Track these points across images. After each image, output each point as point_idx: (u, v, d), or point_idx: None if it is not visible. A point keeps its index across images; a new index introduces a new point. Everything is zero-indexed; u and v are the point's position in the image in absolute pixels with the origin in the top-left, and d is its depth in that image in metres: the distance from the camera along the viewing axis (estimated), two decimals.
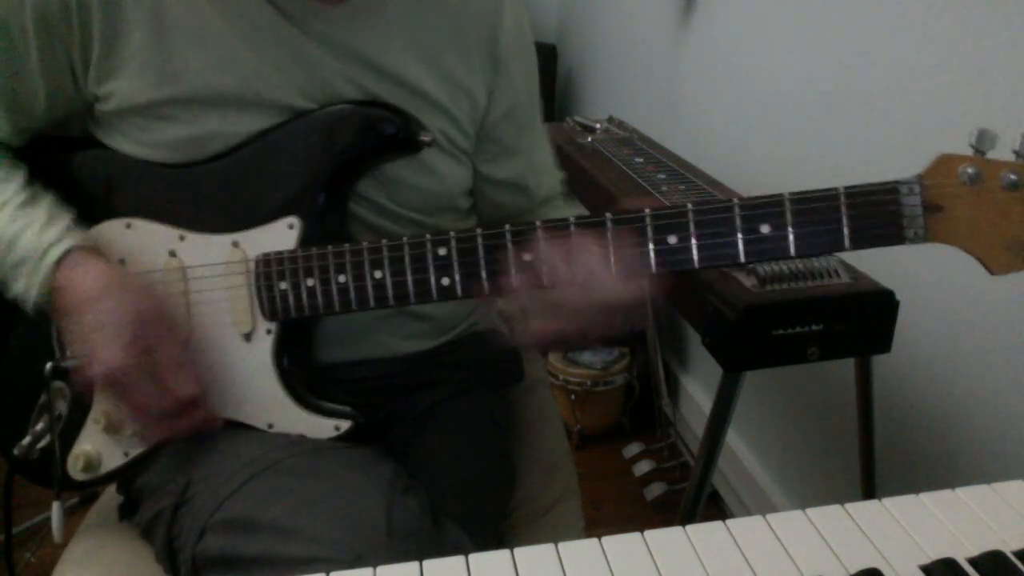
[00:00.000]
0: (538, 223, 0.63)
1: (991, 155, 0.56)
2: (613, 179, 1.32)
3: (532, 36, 0.86)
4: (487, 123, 0.83)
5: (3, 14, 0.69)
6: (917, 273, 1.05)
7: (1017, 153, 0.56)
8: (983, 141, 0.56)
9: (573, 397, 1.92)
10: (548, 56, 2.67)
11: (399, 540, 0.64)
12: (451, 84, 0.78)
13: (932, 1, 1.03)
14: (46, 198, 0.74)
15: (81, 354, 0.68)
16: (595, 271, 0.63)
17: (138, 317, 0.68)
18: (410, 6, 0.76)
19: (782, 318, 0.91)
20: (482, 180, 0.87)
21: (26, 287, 0.70)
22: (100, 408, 0.77)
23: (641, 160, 1.41)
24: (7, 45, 0.71)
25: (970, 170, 0.56)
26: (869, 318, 0.94)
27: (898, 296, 0.93)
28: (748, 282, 0.94)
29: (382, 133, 0.73)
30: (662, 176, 1.30)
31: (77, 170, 0.77)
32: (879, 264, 0.94)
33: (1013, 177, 0.55)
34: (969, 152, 0.57)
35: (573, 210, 0.75)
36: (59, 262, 0.69)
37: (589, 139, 1.56)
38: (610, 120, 1.67)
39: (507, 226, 0.64)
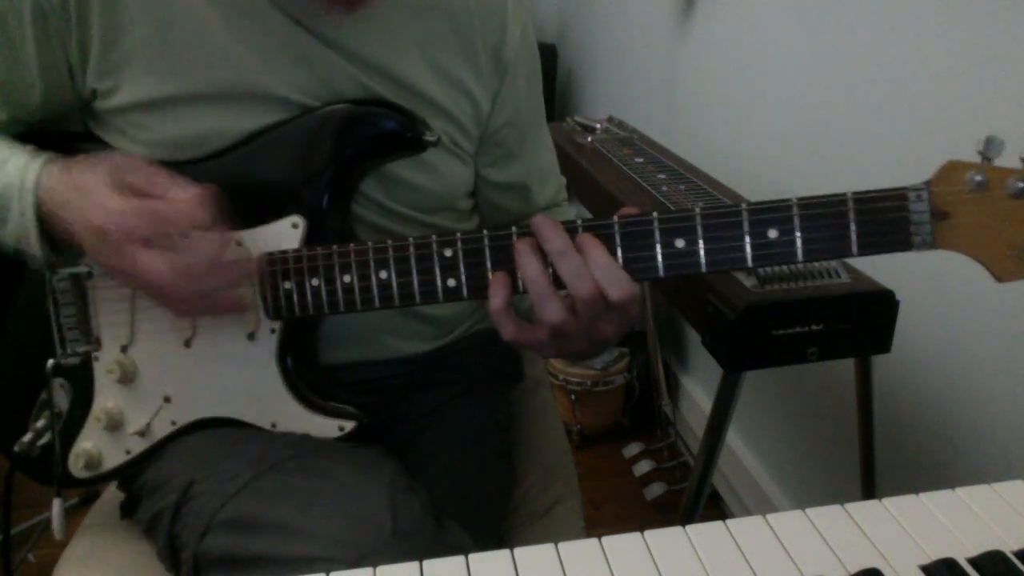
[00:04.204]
0: None
1: (998, 162, 0.56)
2: (613, 179, 1.32)
3: (535, 42, 0.86)
4: (490, 127, 0.84)
5: (1, 3, 0.69)
6: (917, 273, 1.05)
7: None
8: (990, 148, 0.56)
9: (573, 397, 1.92)
10: (548, 56, 2.67)
11: (402, 540, 0.64)
12: (455, 88, 0.79)
13: (937, 3, 1.04)
14: (24, 146, 0.72)
15: (101, 252, 0.64)
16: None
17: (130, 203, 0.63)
18: (414, 10, 0.76)
19: (782, 318, 0.91)
20: (483, 182, 0.87)
21: (20, 214, 0.67)
22: (101, 406, 0.77)
23: (641, 160, 1.41)
24: (3, 34, 0.70)
25: (977, 177, 0.56)
26: (869, 318, 0.94)
27: (898, 296, 0.93)
28: (748, 282, 0.94)
29: (387, 132, 0.73)
30: (662, 176, 1.30)
31: None
32: (879, 264, 0.93)
33: (1020, 185, 0.55)
34: (976, 159, 0.56)
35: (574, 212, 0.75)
36: (41, 174, 0.67)
37: (589, 139, 1.56)
38: (610, 120, 1.67)
39: (513, 228, 0.64)
